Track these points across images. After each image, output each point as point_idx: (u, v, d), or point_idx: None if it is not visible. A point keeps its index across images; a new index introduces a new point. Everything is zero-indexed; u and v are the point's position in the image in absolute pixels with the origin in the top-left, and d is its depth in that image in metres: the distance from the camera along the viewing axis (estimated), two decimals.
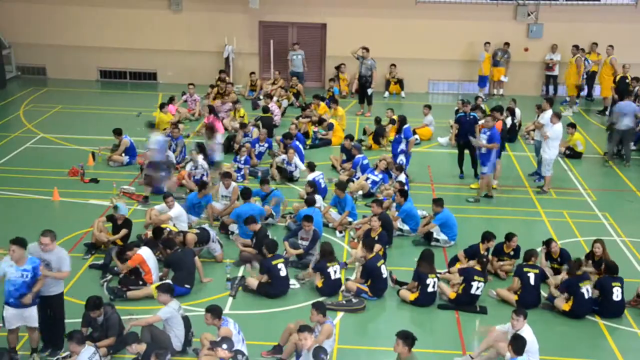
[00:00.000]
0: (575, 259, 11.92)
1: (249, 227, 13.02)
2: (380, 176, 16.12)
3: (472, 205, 15.89)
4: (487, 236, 12.68)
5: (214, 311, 9.79)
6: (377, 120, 19.70)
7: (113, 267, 12.34)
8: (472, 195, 16.19)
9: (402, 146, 16.71)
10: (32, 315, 9.78)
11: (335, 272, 11.97)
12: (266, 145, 18.17)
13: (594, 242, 12.60)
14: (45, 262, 9.72)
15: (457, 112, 20.87)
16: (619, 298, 11.46)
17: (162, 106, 20.09)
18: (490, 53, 24.46)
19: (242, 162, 17.03)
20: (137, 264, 11.90)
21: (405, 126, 16.76)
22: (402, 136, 16.71)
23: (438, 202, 13.86)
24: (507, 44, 24.57)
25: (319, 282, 11.99)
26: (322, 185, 15.62)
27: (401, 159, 16.64)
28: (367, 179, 16.09)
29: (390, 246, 13.52)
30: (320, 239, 13.25)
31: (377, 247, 12.74)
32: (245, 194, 14.01)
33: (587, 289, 11.42)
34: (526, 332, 9.77)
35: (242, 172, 16.89)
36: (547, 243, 12.76)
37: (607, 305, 11.48)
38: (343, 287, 12.12)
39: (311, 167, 15.95)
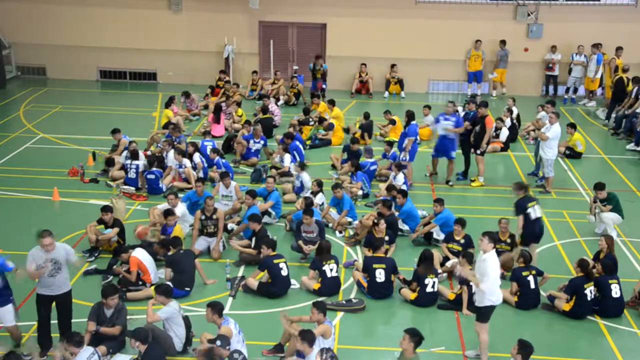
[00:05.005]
0: (580, 259, 11.86)
1: (250, 226, 13.03)
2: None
3: (472, 206, 15.91)
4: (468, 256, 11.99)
5: (215, 307, 9.83)
6: (366, 116, 19.74)
7: (113, 267, 12.37)
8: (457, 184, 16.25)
9: (405, 142, 16.62)
10: (5, 315, 9.91)
11: (331, 270, 11.98)
12: (261, 142, 18.15)
13: (601, 237, 12.60)
14: (53, 261, 9.77)
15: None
16: (618, 295, 11.47)
17: (168, 103, 20.33)
18: (479, 51, 24.49)
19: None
20: (136, 266, 11.91)
21: (413, 122, 16.67)
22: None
23: (439, 201, 13.86)
24: (503, 41, 24.58)
25: (315, 285, 11.99)
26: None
27: (404, 155, 16.61)
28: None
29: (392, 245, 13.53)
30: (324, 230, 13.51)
31: (391, 249, 12.98)
32: (253, 194, 14.05)
33: (590, 291, 11.43)
34: (491, 257, 9.84)
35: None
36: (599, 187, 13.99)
37: (607, 303, 11.48)
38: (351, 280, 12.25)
39: (302, 167, 16.09)
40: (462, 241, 12.81)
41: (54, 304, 10.07)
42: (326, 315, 9.98)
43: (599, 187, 14.49)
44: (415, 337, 9.20)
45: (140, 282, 11.94)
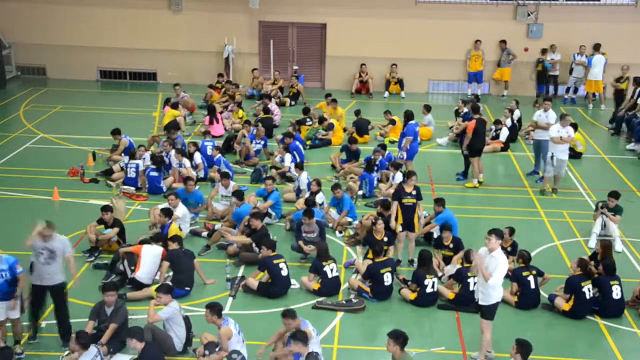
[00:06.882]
0: (578, 258, 11.87)
1: (252, 223, 13.04)
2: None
3: (473, 206, 15.91)
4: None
5: (213, 308, 9.85)
6: (357, 113, 19.80)
7: (117, 267, 12.36)
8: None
9: (404, 142, 16.61)
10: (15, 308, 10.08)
11: (331, 270, 11.97)
12: (262, 142, 18.18)
13: (598, 240, 12.61)
14: (49, 250, 10.02)
15: (457, 112, 20.91)
16: (619, 296, 11.46)
17: (172, 104, 20.34)
18: (479, 51, 24.50)
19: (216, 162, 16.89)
20: (135, 252, 11.96)
21: (411, 122, 16.66)
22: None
23: (439, 201, 13.84)
24: (503, 41, 24.59)
25: (315, 285, 11.98)
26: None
27: (401, 154, 16.60)
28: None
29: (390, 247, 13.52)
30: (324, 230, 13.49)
31: (391, 251, 12.90)
32: (239, 195, 14.10)
33: (588, 289, 11.41)
34: (500, 254, 9.81)
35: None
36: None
37: (608, 304, 11.47)
38: (346, 285, 12.19)
39: (300, 167, 16.07)
40: (451, 245, 12.82)
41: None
42: (298, 318, 9.82)
43: (614, 195, 14.33)
44: (399, 338, 9.09)
45: (132, 268, 11.93)
